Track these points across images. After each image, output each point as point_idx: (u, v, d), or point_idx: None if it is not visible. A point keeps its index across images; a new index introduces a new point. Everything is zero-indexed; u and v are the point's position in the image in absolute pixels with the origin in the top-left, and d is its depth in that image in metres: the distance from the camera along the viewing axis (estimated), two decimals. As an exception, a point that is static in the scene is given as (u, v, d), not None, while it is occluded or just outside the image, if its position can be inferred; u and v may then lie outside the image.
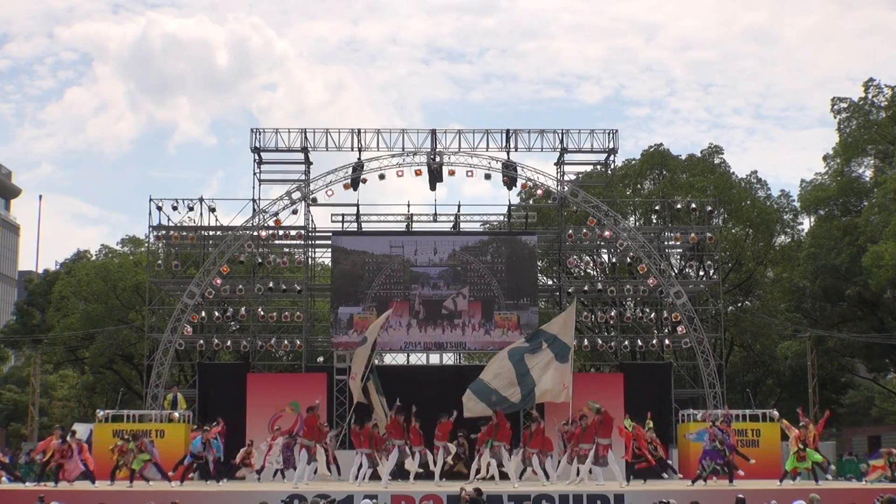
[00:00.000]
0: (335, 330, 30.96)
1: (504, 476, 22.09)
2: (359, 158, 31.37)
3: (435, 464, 22.45)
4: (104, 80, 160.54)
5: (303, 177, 32.01)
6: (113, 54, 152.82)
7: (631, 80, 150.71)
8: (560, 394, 24.73)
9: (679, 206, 34.03)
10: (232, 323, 34.59)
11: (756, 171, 44.13)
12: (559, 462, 23.60)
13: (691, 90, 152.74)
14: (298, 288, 32.13)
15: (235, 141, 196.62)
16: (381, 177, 31.24)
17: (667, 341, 32.14)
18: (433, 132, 31.70)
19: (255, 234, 31.32)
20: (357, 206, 32.48)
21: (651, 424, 24.24)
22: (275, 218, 31.17)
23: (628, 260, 32.98)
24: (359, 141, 31.56)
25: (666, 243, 33.98)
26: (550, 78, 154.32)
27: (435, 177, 31.57)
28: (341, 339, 30.60)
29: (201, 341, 31.26)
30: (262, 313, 31.56)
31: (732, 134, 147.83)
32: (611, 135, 32.29)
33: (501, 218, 36.62)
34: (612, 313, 32.54)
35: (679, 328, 30.97)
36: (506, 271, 31.10)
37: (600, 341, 32.00)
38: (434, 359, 33.77)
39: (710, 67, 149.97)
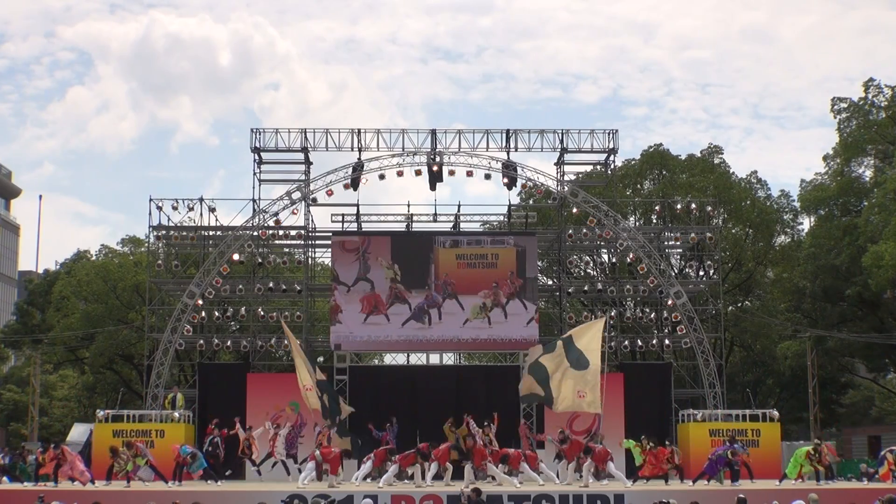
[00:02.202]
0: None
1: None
2: (359, 158, 31.36)
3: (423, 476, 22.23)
4: (106, 80, 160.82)
5: (303, 177, 31.99)
6: (115, 54, 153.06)
7: (628, 80, 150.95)
8: (579, 404, 24.74)
9: (679, 206, 34.02)
10: (232, 323, 34.57)
11: (756, 172, 44.26)
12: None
13: (689, 90, 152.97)
14: (298, 288, 32.13)
15: (237, 141, 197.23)
16: (382, 177, 31.24)
17: (667, 341, 32.13)
18: (433, 132, 31.68)
19: (256, 234, 31.31)
20: (357, 206, 32.49)
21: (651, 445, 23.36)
22: (275, 218, 31.18)
23: (628, 260, 32.96)
24: (359, 141, 31.55)
25: (666, 243, 33.95)
26: (548, 78, 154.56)
27: (435, 177, 31.53)
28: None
29: (201, 341, 31.24)
30: (262, 313, 31.53)
31: (730, 134, 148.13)
32: (610, 135, 32.30)
33: (501, 218, 36.62)
34: (612, 313, 32.52)
35: (679, 328, 30.96)
36: (505, 271, 31.02)
37: (600, 341, 31.94)
38: (434, 359, 33.75)
39: (708, 67, 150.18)
